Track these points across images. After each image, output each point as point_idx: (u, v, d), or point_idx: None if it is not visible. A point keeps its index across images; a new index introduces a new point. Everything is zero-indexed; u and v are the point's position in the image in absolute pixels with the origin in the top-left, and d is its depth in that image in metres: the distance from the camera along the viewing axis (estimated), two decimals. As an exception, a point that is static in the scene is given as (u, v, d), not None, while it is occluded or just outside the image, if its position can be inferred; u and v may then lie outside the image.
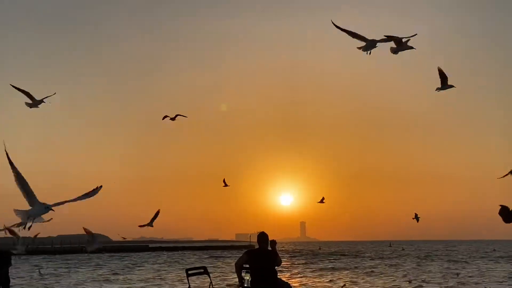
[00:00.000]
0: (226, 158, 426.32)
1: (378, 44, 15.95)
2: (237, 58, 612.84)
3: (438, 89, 17.03)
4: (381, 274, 42.30)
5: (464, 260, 64.15)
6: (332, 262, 63.64)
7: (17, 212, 11.16)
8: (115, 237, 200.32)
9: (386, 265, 54.64)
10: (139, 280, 39.33)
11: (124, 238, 59.90)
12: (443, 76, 16.70)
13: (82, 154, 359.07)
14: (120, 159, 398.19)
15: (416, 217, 36.27)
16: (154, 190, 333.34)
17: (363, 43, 15.66)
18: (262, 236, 11.29)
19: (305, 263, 62.02)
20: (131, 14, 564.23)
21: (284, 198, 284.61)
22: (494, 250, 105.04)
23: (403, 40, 16.00)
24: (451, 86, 16.87)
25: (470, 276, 38.08)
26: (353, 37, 15.32)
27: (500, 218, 9.02)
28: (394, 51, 16.26)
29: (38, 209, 11.12)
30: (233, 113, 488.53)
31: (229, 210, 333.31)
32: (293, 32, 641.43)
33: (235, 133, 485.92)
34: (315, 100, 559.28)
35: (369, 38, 15.69)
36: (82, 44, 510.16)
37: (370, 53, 16.06)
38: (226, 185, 41.53)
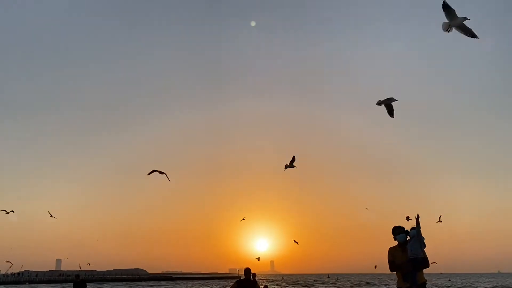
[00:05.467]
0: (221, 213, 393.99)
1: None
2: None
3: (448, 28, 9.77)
4: None
5: None
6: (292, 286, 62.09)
7: None
8: (151, 270, 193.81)
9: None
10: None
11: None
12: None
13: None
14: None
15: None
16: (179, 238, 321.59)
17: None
18: (247, 270, 11.16)
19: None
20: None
21: (260, 245, 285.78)
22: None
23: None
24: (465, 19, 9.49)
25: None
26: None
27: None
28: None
29: None
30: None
31: (224, 251, 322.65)
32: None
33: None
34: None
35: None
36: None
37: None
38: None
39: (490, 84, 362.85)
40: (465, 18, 9.41)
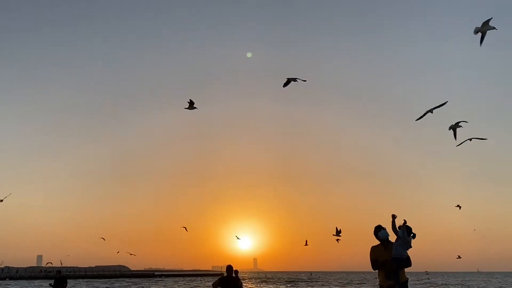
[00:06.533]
0: (204, 209, 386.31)
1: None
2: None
3: (476, 31, 11.82)
4: None
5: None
6: (274, 283, 62.17)
7: None
8: (133, 267, 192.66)
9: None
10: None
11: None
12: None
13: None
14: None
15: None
16: (165, 237, 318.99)
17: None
18: (229, 267, 11.15)
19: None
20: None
21: (243, 242, 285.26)
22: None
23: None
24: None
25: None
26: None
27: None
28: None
29: None
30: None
31: (207, 249, 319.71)
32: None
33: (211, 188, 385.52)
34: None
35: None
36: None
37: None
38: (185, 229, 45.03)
39: (480, 90, 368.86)
40: (494, 28, 11.34)
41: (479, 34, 11.61)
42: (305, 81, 15.89)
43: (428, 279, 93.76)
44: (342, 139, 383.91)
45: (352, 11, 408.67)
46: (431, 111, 13.45)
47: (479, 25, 11.28)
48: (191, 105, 17.76)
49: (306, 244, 38.08)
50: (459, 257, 37.48)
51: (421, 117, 13.70)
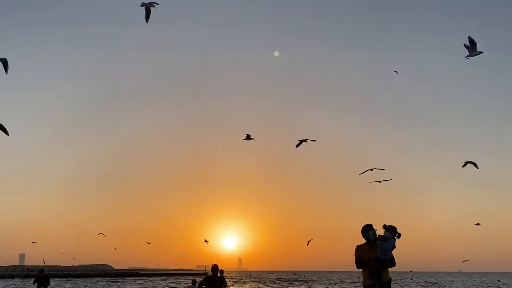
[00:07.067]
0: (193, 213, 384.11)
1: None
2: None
3: (467, 56, 13.20)
4: None
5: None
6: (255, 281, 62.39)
7: None
8: (117, 266, 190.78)
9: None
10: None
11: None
12: (471, 43, 13.08)
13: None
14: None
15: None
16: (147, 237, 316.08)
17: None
18: (214, 267, 11.09)
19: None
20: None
21: (228, 242, 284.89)
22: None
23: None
24: (481, 52, 12.95)
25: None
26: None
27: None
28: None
29: None
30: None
31: (191, 248, 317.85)
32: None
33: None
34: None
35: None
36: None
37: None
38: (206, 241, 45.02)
39: (472, 93, 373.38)
40: (481, 52, 12.70)
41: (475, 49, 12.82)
42: (314, 141, 18.78)
43: (411, 278, 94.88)
44: (334, 140, 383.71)
45: (351, 11, 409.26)
46: (371, 169, 17.72)
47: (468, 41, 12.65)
48: (248, 138, 20.83)
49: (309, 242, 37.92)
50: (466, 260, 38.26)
51: (363, 172, 17.43)
